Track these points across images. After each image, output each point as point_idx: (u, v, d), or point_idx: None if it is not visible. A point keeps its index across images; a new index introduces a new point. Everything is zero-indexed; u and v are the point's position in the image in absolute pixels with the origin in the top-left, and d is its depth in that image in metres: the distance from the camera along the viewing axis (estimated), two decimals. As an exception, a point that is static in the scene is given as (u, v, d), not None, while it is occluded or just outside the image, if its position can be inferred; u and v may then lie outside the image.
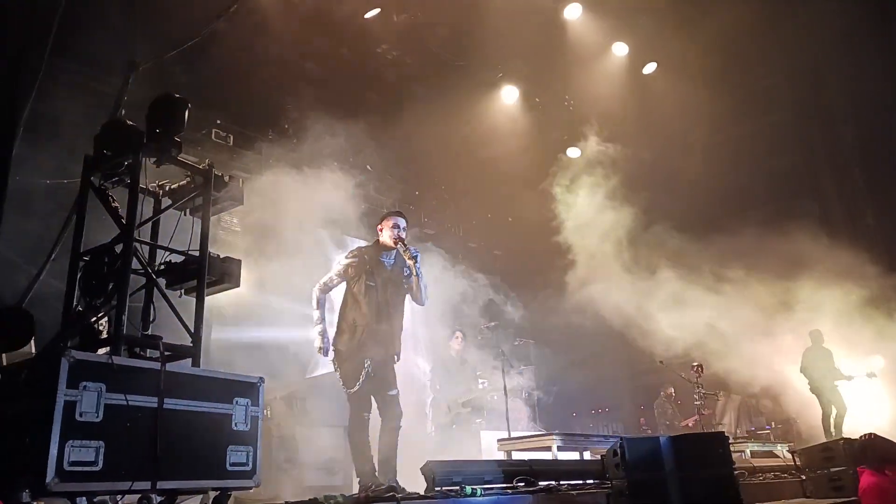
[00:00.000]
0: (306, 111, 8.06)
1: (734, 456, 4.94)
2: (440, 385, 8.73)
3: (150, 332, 3.68)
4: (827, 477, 5.51)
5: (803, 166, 13.01)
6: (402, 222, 5.07)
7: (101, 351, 3.35)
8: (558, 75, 11.57)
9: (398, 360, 5.00)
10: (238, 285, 4.05)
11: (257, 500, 5.08)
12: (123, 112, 5.64)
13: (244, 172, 8.10)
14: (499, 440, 6.66)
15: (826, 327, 9.89)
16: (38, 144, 6.31)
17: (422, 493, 4.25)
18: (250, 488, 3.41)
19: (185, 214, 4.10)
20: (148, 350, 3.46)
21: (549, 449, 6.09)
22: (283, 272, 7.39)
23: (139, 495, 2.94)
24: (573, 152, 11.43)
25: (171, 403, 3.09)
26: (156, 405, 3.03)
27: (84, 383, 2.82)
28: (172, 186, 4.08)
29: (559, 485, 4.85)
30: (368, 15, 9.36)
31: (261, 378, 3.58)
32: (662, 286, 9.87)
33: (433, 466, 4.29)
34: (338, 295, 5.15)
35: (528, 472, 4.77)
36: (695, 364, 8.58)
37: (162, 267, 3.87)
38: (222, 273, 3.94)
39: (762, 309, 9.99)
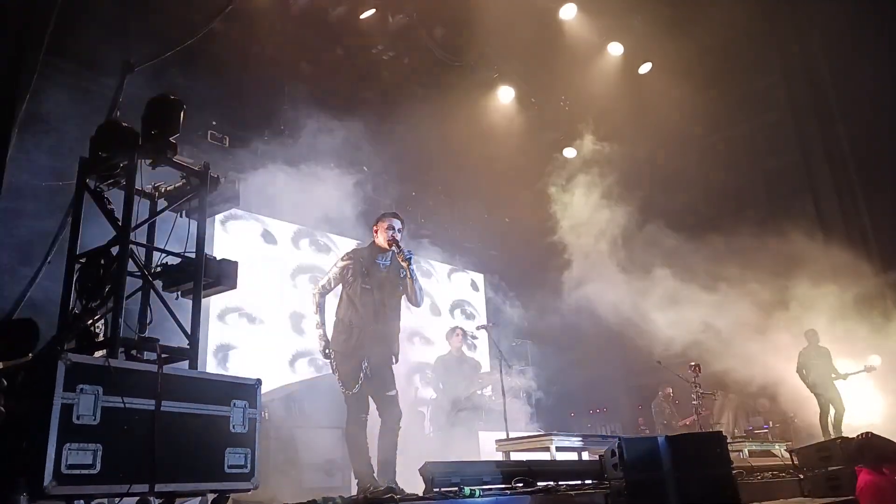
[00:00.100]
0: (302, 112, 8.05)
1: (732, 455, 4.94)
2: (442, 384, 8.70)
3: (146, 334, 3.68)
4: (824, 476, 5.52)
5: (799, 166, 13.04)
6: (397, 224, 5.05)
7: (98, 353, 3.34)
8: (554, 75, 11.58)
9: (396, 362, 4.99)
10: (235, 287, 4.04)
11: (255, 503, 5.06)
12: (119, 113, 5.63)
13: (240, 173, 8.07)
14: (497, 441, 6.63)
15: (822, 326, 9.92)
16: (32, 145, 6.28)
17: (420, 494, 4.24)
18: (248, 490, 3.40)
19: (181, 216, 4.09)
20: (145, 352, 3.45)
21: (547, 449, 6.06)
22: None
23: (137, 498, 2.93)
24: (569, 152, 11.46)
25: (168, 406, 3.08)
26: (153, 408, 3.02)
27: (81, 386, 2.81)
28: (168, 188, 4.08)
29: (557, 485, 4.86)
30: (364, 16, 9.36)
31: (258, 380, 3.58)
32: (659, 285, 9.86)
33: (431, 467, 4.28)
34: (334, 297, 5.14)
35: (527, 473, 4.76)
36: (692, 364, 8.58)
37: (158, 269, 3.85)
38: (219, 275, 3.93)
39: (759, 308, 10.00)
